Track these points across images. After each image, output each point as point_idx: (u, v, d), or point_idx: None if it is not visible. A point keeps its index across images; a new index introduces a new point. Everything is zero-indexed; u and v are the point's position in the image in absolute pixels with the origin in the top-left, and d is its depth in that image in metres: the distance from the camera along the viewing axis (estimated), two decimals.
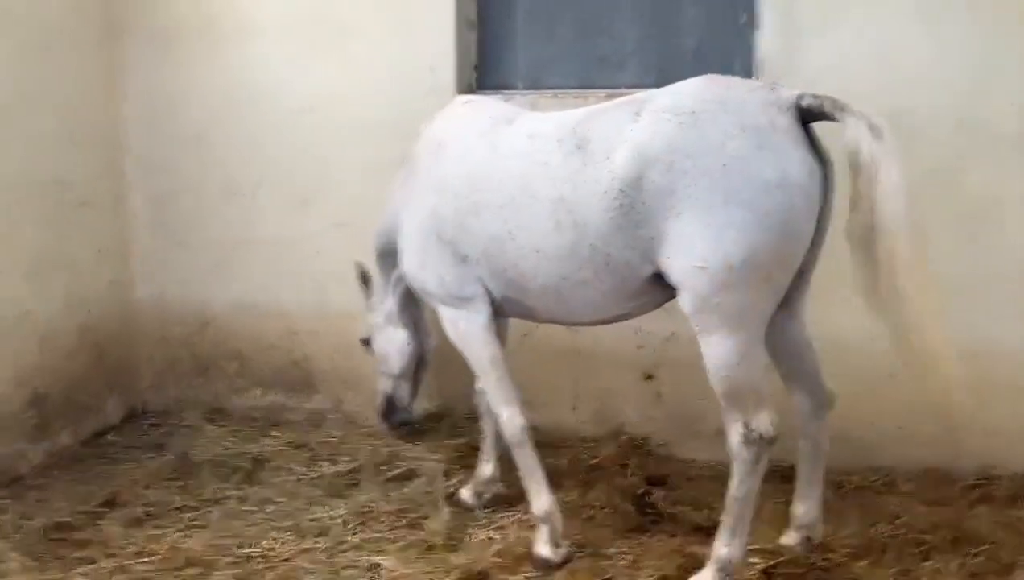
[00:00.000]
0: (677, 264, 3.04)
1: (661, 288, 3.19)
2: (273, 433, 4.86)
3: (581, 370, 4.76)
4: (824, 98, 3.00)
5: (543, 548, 3.51)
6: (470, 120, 3.64)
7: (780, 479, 3.83)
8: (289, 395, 5.19)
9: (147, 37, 5.10)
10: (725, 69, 4.54)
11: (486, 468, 4.11)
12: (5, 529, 3.90)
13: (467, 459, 4.41)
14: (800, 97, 3.02)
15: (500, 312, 3.65)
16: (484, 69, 4.89)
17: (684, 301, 3.09)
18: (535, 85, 4.82)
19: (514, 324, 4.20)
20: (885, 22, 4.13)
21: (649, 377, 4.66)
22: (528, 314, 3.59)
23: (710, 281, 2.98)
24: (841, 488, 4.11)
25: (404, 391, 4.35)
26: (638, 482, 4.24)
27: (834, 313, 3.82)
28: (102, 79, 5.07)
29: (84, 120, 4.95)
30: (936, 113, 4.13)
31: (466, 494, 4.10)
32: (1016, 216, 4.11)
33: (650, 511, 3.99)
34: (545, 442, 4.57)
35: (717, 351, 3.08)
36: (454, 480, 4.29)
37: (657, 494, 4.15)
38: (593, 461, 4.42)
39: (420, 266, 3.66)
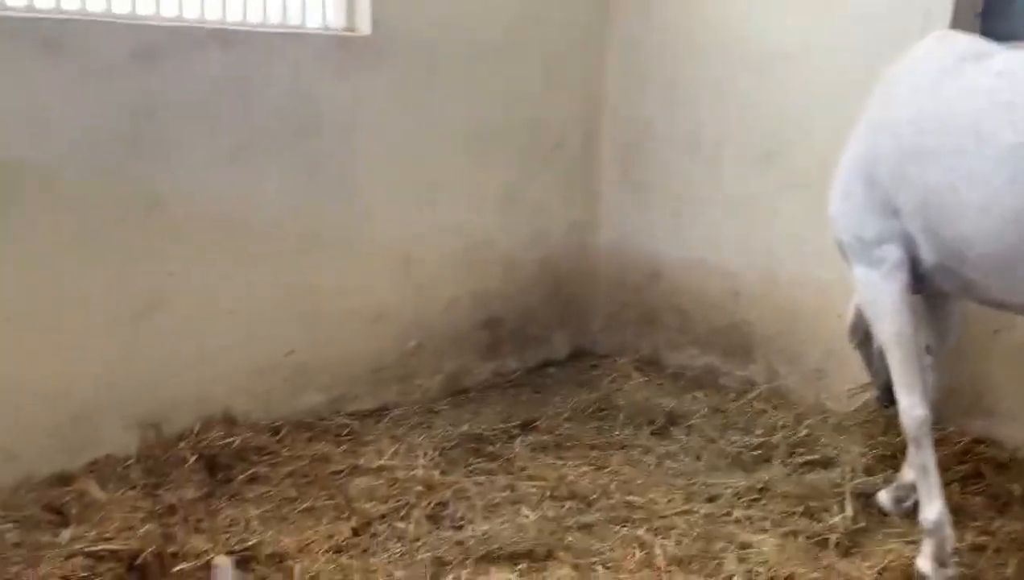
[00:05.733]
0: None
1: None
2: (696, 393, 4.69)
3: None
4: None
5: (924, 563, 2.94)
6: (933, 56, 3.07)
7: None
8: (724, 359, 4.96)
9: None
10: None
11: (910, 472, 3.52)
12: (434, 431, 4.25)
13: (897, 460, 3.83)
14: None
15: (933, 286, 3.07)
16: (990, 15, 4.12)
17: None
18: None
19: (987, 315, 3.52)
20: None
21: None
22: (965, 289, 2.98)
23: None
24: None
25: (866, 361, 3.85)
26: None
27: None
28: (588, 27, 5.21)
29: (565, 65, 5.14)
30: None
31: (884, 497, 3.57)
32: None
33: None
34: (1002, 460, 3.86)
35: None
36: (876, 479, 3.75)
37: None
38: None
39: (840, 212, 3.21)
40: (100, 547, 3.06)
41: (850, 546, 3.27)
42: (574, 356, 5.40)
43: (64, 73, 3.49)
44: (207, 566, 2.98)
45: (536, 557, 3.15)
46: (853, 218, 3.16)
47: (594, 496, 3.63)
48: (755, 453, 4.01)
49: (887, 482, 3.68)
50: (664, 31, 5.05)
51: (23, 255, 3.47)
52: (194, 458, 3.70)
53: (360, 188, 4.35)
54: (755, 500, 3.60)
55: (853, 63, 4.24)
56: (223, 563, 2.96)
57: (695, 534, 3.33)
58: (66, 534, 3.19)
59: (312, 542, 3.20)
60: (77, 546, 3.07)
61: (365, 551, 3.19)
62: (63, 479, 3.55)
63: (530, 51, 4.92)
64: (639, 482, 3.76)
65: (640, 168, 5.26)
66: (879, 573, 3.06)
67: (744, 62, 4.73)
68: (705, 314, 5.03)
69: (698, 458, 4.01)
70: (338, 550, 3.17)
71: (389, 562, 3.11)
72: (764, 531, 3.35)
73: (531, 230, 5.12)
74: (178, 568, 3.01)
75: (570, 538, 3.29)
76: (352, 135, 4.29)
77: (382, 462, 3.83)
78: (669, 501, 3.61)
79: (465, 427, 4.27)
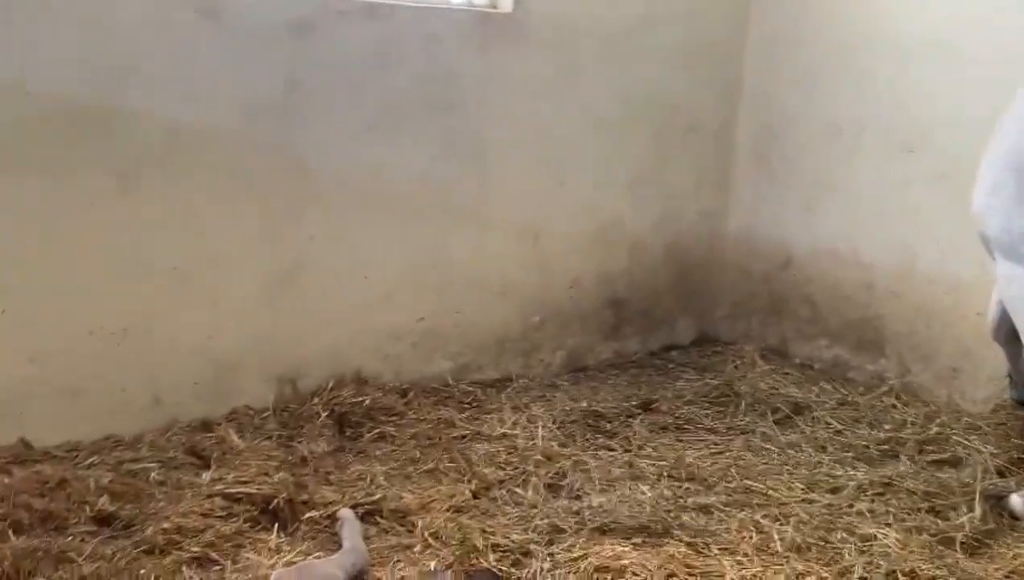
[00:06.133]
0: None
1: None
2: (823, 385, 4.61)
3: None
4: None
5: None
6: None
7: None
8: (854, 352, 4.84)
9: None
10: None
11: None
12: (554, 404, 4.32)
13: None
14: None
15: None
16: None
17: None
18: None
19: None
20: None
21: None
22: None
23: None
24: None
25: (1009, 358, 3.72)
26: None
27: None
28: (727, 12, 5.14)
29: (703, 50, 5.08)
30: None
31: (1017, 501, 3.43)
32: None
33: None
34: None
35: None
36: (1009, 481, 3.62)
37: None
38: None
39: (987, 205, 3.10)
40: (237, 490, 3.23)
41: (977, 546, 3.16)
42: (697, 342, 5.36)
43: (220, 40, 3.67)
44: (334, 516, 3.13)
45: (652, 533, 3.16)
46: (1002, 212, 3.06)
47: (713, 479, 3.61)
48: (882, 448, 3.92)
49: (1020, 486, 3.55)
50: (805, 18, 4.94)
51: (178, 214, 3.69)
52: (326, 414, 3.88)
53: (494, 163, 4.44)
54: (879, 494, 3.51)
55: (1004, 52, 4.08)
56: (349, 514, 3.09)
57: (815, 523, 3.27)
58: (206, 476, 3.38)
59: (434, 501, 3.31)
60: (216, 487, 3.26)
61: (484, 513, 3.27)
62: (205, 425, 3.77)
63: (668, 35, 4.89)
64: (759, 468, 3.73)
65: (775, 155, 5.17)
66: (1006, 576, 2.96)
67: (888, 50, 4.58)
68: (836, 306, 4.93)
69: (822, 449, 3.93)
70: (458, 510, 3.26)
71: (506, 525, 3.18)
72: (887, 525, 3.26)
73: (660, 214, 5.11)
74: (308, 515, 3.16)
75: (686, 517, 3.29)
76: (489, 110, 4.37)
77: (503, 430, 3.93)
78: (789, 489, 3.56)
79: (585, 403, 4.31)
